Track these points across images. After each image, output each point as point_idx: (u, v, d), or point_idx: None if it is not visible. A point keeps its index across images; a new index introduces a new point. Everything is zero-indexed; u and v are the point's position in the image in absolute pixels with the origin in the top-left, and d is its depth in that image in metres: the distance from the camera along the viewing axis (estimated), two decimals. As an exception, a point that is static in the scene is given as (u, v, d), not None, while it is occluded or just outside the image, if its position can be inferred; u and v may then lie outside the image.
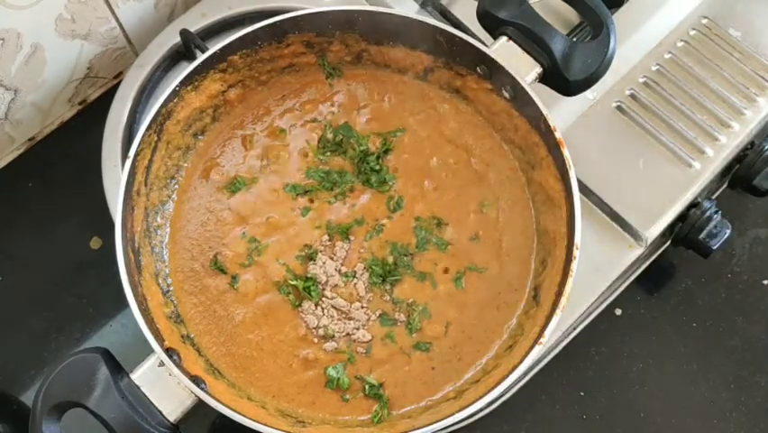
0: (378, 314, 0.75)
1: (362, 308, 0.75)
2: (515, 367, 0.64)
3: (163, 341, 0.66)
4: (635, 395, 0.86)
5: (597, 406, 0.86)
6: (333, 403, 0.72)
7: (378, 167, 0.80)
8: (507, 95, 0.76)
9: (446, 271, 0.76)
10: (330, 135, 0.82)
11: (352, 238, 0.78)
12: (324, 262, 0.76)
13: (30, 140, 0.98)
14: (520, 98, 0.75)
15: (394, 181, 0.80)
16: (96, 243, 0.91)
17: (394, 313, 0.75)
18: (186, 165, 0.80)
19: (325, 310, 0.74)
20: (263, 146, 0.82)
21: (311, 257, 0.76)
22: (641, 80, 0.87)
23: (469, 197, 0.79)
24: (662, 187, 0.83)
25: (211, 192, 0.80)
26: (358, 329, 0.74)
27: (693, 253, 0.85)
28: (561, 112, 0.84)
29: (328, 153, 0.82)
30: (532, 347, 0.65)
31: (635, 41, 0.89)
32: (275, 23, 0.76)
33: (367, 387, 0.72)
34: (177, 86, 0.74)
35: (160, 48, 0.92)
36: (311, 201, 0.79)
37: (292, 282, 0.75)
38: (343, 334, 0.74)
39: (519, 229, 0.78)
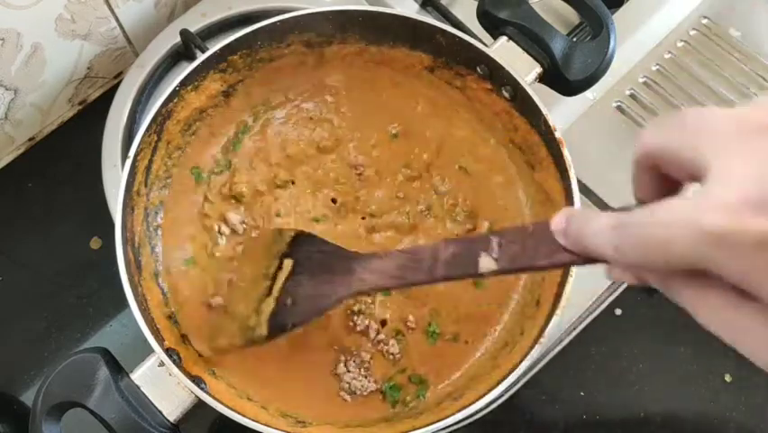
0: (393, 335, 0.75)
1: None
2: (515, 367, 0.64)
3: (163, 341, 0.66)
4: (635, 395, 0.86)
5: (597, 406, 0.86)
6: (333, 403, 0.72)
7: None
8: (507, 95, 0.76)
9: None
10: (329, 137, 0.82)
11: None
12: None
13: (30, 140, 0.98)
14: (520, 98, 0.75)
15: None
16: (95, 243, 0.91)
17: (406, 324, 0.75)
18: (186, 165, 0.80)
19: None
20: (263, 146, 0.82)
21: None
22: (641, 80, 0.88)
23: (468, 197, 0.79)
24: (662, 187, 0.83)
25: (211, 192, 0.80)
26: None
27: (693, 253, 0.84)
28: (561, 112, 0.84)
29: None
30: (532, 347, 0.65)
31: (635, 41, 0.89)
32: (275, 22, 0.76)
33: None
34: (177, 86, 0.74)
35: (160, 48, 0.92)
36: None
37: None
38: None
39: (519, 229, 0.78)
